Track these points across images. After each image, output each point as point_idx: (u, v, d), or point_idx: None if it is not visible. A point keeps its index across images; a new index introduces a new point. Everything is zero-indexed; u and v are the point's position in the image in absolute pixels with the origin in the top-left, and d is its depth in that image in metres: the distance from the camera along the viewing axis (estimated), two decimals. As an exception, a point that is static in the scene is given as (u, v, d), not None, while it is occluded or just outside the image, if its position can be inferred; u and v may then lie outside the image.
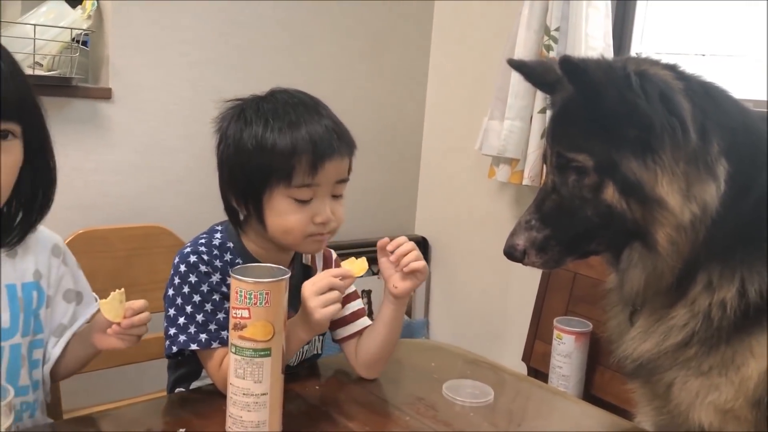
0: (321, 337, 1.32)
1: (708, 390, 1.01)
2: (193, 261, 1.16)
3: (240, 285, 0.99)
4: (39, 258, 1.15)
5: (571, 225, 1.04)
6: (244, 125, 1.15)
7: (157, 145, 2.10)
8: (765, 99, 1.95)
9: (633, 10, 2.25)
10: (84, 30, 1.91)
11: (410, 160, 2.77)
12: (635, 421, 1.20)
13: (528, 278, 2.16)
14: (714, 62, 2.11)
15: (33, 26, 1.79)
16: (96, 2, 1.94)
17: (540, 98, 2.10)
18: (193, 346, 1.14)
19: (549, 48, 2.11)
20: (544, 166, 1.10)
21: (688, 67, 1.04)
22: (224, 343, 1.12)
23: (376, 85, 2.60)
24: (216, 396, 1.13)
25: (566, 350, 1.86)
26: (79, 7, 1.93)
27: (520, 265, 1.08)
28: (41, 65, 1.89)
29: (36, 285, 1.13)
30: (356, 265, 1.14)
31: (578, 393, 1.87)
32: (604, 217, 1.01)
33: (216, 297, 1.16)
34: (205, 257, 1.17)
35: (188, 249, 1.18)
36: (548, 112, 1.15)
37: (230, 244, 1.20)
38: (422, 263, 1.19)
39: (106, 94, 1.99)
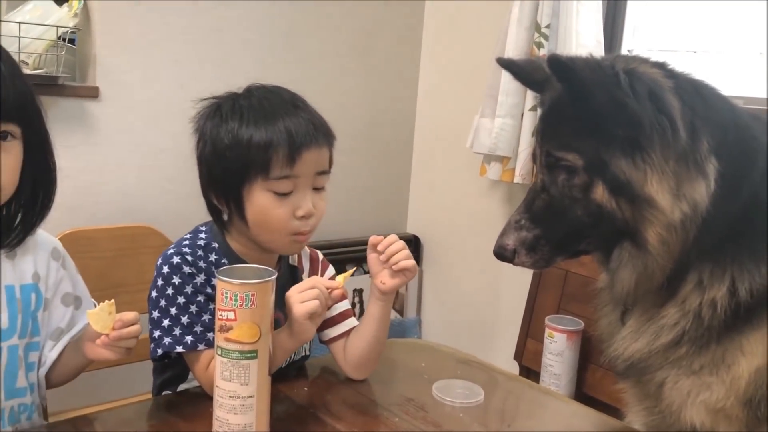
0: (310, 338, 1.31)
1: (699, 389, 1.00)
2: (177, 262, 1.15)
3: (225, 286, 0.97)
4: (38, 260, 1.14)
5: (561, 224, 1.03)
6: (221, 122, 1.14)
7: (145, 144, 2.08)
8: (759, 96, 1.95)
9: (624, 7, 2.25)
10: (70, 28, 1.89)
11: (401, 158, 2.76)
12: (626, 421, 1.20)
13: (520, 276, 2.15)
14: (705, 59, 2.10)
15: (18, 24, 1.76)
16: (82, 0, 1.92)
17: (531, 96, 2.09)
18: (179, 349, 1.13)
19: (540, 45, 2.10)
20: (534, 166, 1.09)
21: (677, 65, 1.03)
22: (210, 344, 1.11)
23: (367, 82, 2.58)
24: (203, 398, 1.12)
25: (558, 349, 1.85)
26: (66, 5, 1.91)
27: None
28: (27, 64, 1.86)
29: (34, 287, 1.12)
30: (340, 277, 1.14)
31: (570, 392, 1.86)
32: (594, 216, 1.00)
33: (201, 298, 1.14)
34: (189, 258, 1.16)
35: (171, 250, 1.17)
36: (538, 111, 1.14)
37: (215, 245, 1.19)
38: (412, 262, 1.19)
39: (93, 93, 1.97)
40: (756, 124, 1.03)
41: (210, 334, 1.12)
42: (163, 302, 1.14)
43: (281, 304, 1.10)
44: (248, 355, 0.99)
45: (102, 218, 1.96)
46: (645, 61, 1.02)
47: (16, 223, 1.09)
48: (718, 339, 0.98)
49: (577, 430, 1.21)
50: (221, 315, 0.99)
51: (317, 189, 1.16)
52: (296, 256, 1.29)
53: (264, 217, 1.13)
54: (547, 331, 1.87)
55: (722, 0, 2.05)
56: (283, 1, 2.31)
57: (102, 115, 2.00)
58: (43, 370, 1.15)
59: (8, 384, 1.08)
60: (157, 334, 1.14)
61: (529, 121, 2.11)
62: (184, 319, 1.13)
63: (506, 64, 1.18)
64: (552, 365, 1.87)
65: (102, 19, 1.97)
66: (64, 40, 1.91)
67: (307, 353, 1.33)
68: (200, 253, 1.17)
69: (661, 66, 1.01)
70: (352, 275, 1.16)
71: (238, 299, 0.97)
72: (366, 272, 2.50)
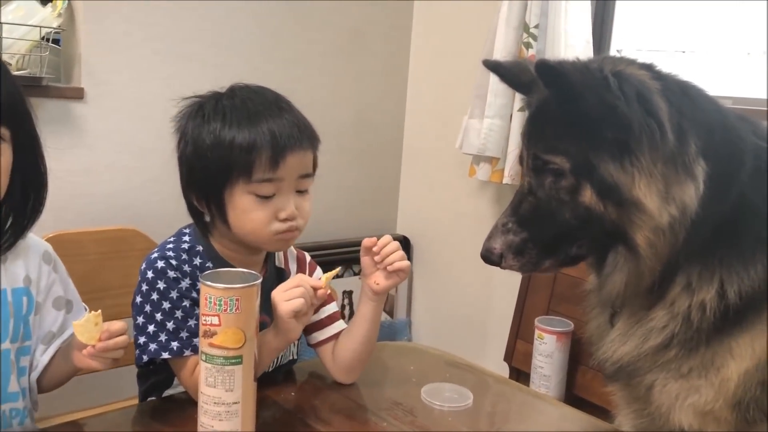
0: (297, 342, 1.29)
1: (688, 392, 1.00)
2: (161, 266, 1.13)
3: (209, 291, 0.96)
4: (29, 264, 1.12)
5: (548, 227, 1.02)
6: (203, 122, 1.12)
7: (131, 145, 2.06)
8: (747, 96, 1.95)
9: (612, 7, 2.25)
10: (54, 28, 1.87)
11: (391, 158, 2.75)
12: (615, 423, 1.19)
13: (510, 277, 2.14)
14: (693, 59, 2.10)
15: (0, 24, 1.74)
16: (67, 0, 1.89)
17: (519, 96, 2.08)
18: (165, 355, 1.11)
19: (528, 45, 2.09)
20: (521, 168, 1.08)
21: (665, 65, 1.03)
22: (197, 350, 1.09)
23: (356, 83, 2.57)
24: (188, 404, 1.11)
25: (547, 350, 1.84)
26: (50, 4, 1.89)
27: (499, 266, 1.07)
28: (10, 65, 1.84)
29: (26, 291, 1.11)
30: (324, 276, 1.12)
31: (560, 393, 1.86)
32: (583, 219, 0.99)
33: (186, 303, 1.13)
34: (174, 262, 1.14)
35: (155, 254, 1.15)
36: (525, 113, 1.13)
37: (199, 248, 1.18)
38: (407, 263, 1.19)
39: (78, 94, 1.95)
40: (743, 125, 1.03)
41: (196, 340, 1.10)
42: (148, 308, 1.12)
43: (268, 307, 1.08)
44: (233, 360, 0.97)
45: (87, 220, 1.94)
46: (632, 62, 1.01)
47: (7, 226, 1.08)
48: (707, 342, 0.97)
49: (567, 433, 1.20)
50: (205, 320, 0.97)
51: (300, 192, 1.15)
52: (282, 257, 1.28)
53: (245, 220, 1.12)
54: (537, 332, 1.86)
55: (711, 0, 2.05)
56: (271, 1, 2.29)
57: (87, 116, 1.98)
58: (35, 375, 1.13)
59: (2, 389, 1.07)
60: (142, 340, 1.12)
61: (518, 121, 2.11)
62: (170, 325, 1.12)
63: (492, 66, 1.17)
64: (542, 366, 1.86)
65: (86, 19, 1.95)
66: (48, 40, 1.89)
67: (295, 357, 1.31)
68: (185, 256, 1.16)
69: (649, 68, 1.01)
70: (337, 276, 1.15)
71: (222, 304, 0.96)
72: (356, 273, 2.49)
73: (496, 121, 2.16)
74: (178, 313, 1.12)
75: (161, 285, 1.12)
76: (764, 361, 0.96)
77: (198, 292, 1.08)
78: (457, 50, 2.51)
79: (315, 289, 1.08)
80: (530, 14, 2.08)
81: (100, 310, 1.02)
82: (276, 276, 1.25)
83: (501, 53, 2.09)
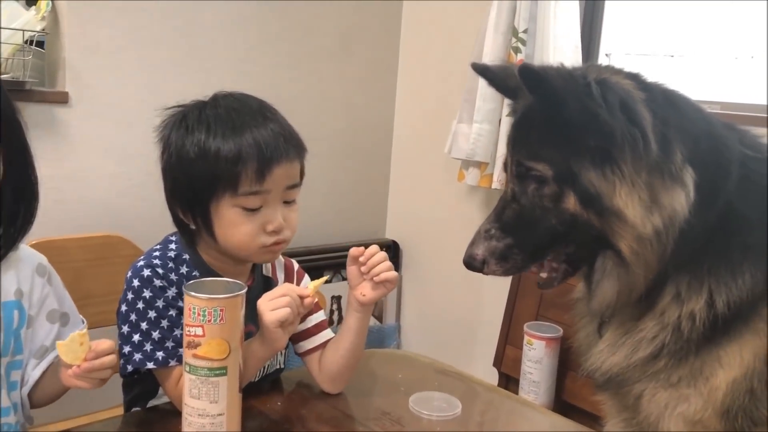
0: (284, 351, 1.28)
1: (677, 401, 0.99)
2: (147, 275, 1.12)
3: (193, 301, 0.95)
4: (21, 276, 1.10)
5: (532, 234, 1.01)
6: (186, 132, 1.10)
7: (116, 150, 2.04)
8: (735, 101, 1.96)
9: (601, 11, 2.25)
10: (38, 31, 1.85)
11: (380, 163, 2.74)
12: (604, 431, 1.19)
13: (499, 282, 2.13)
14: (682, 63, 2.11)
15: (-18, 28, 1.72)
16: (50, 3, 1.87)
17: (508, 101, 2.08)
18: (150, 365, 1.10)
19: (517, 50, 2.09)
20: (506, 174, 1.07)
21: (652, 74, 1.02)
22: (182, 360, 1.08)
23: (344, 87, 2.56)
24: (173, 415, 1.09)
25: (537, 356, 1.84)
26: (33, 7, 1.87)
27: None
28: (-7, 69, 1.82)
29: (17, 304, 1.08)
30: (312, 284, 1.11)
31: (549, 399, 1.85)
32: (569, 225, 0.99)
33: (172, 312, 1.11)
34: (160, 271, 1.12)
35: (141, 262, 1.14)
36: (510, 119, 1.13)
37: (186, 256, 1.16)
38: (394, 274, 1.17)
39: (62, 98, 1.93)
40: (730, 133, 1.03)
41: (182, 350, 1.09)
42: (133, 317, 1.11)
43: (255, 317, 1.07)
44: (217, 372, 0.96)
45: (71, 227, 1.91)
46: (618, 71, 1.01)
47: None
48: (696, 351, 0.96)
49: (556, 441, 1.20)
50: (189, 331, 0.96)
51: (288, 202, 1.13)
52: (270, 266, 1.27)
53: (232, 233, 1.10)
54: (526, 338, 1.86)
55: (699, 1, 2.06)
56: (258, 4, 2.28)
57: (72, 120, 1.96)
58: (26, 389, 1.11)
59: None
60: (127, 350, 1.11)
61: (507, 127, 2.10)
62: (155, 335, 1.10)
63: (481, 70, 1.17)
64: (531, 372, 1.85)
65: (71, 23, 1.93)
66: (31, 43, 1.87)
67: (282, 366, 1.30)
68: (171, 265, 1.14)
69: (634, 77, 1.00)
70: (326, 282, 1.14)
71: (206, 315, 0.94)
72: (344, 279, 2.47)
73: (485, 125, 2.15)
74: (164, 323, 1.11)
75: (147, 294, 1.11)
76: (752, 369, 0.95)
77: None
78: (446, 55, 2.50)
79: (302, 297, 1.07)
80: (519, 18, 2.08)
81: (86, 330, 1.00)
82: (263, 285, 1.23)
83: (490, 57, 2.09)
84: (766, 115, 1.77)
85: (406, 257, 2.72)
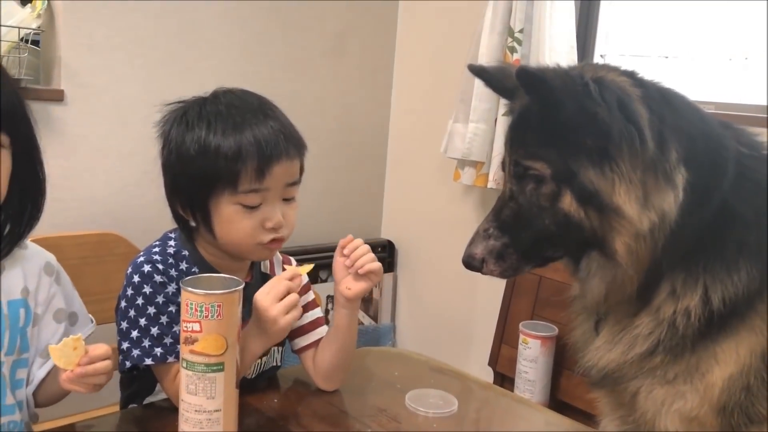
0: (280, 348, 1.28)
1: (673, 398, 1.00)
2: (148, 271, 1.11)
3: (190, 297, 0.95)
4: (28, 275, 1.10)
5: (528, 233, 1.02)
6: (186, 129, 1.10)
7: (112, 148, 2.04)
8: (730, 102, 1.97)
9: (597, 12, 2.25)
10: (33, 29, 1.84)
11: (375, 163, 2.74)
12: (600, 428, 1.19)
13: (494, 281, 2.12)
14: (677, 64, 2.12)
15: (-22, 25, 1.71)
16: (46, 1, 1.87)
17: (504, 101, 2.08)
18: (148, 361, 1.09)
19: (513, 50, 2.09)
20: (503, 174, 1.08)
21: (647, 72, 1.03)
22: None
23: (340, 86, 2.56)
24: (169, 412, 1.09)
25: (532, 355, 1.84)
26: (29, 5, 1.86)
27: (485, 269, 1.06)
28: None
29: (23, 302, 1.08)
30: (302, 267, 1.11)
31: (544, 398, 1.86)
32: (562, 225, 0.99)
33: (172, 309, 1.11)
34: (161, 266, 1.12)
35: (142, 258, 1.14)
36: (507, 119, 1.13)
37: (185, 252, 1.16)
38: (377, 265, 1.17)
39: (58, 96, 1.92)
40: (726, 132, 1.03)
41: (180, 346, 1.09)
42: (132, 312, 1.10)
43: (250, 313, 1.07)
44: (214, 367, 0.96)
45: (66, 225, 1.91)
46: (614, 69, 1.01)
47: (4, 234, 1.05)
48: (692, 348, 0.97)
49: (552, 439, 1.20)
50: (186, 326, 0.96)
51: (287, 200, 1.13)
52: (268, 263, 1.27)
53: (231, 230, 1.10)
54: (521, 337, 1.86)
55: (693, 3, 2.07)
56: (254, 3, 2.27)
57: (67, 118, 1.95)
58: (30, 388, 1.10)
59: None
60: (125, 345, 1.10)
61: (503, 126, 2.11)
62: (154, 330, 1.10)
63: (477, 71, 1.17)
64: (526, 371, 1.86)
65: (67, 21, 1.92)
66: (27, 41, 1.86)
67: (279, 364, 1.30)
68: (171, 260, 1.14)
69: (630, 75, 1.01)
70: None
71: (203, 310, 0.94)
72: (339, 278, 2.47)
73: (481, 125, 2.16)
74: (164, 319, 1.10)
75: (147, 289, 1.10)
76: (748, 366, 0.96)
77: (183, 297, 1.07)
78: (442, 54, 2.51)
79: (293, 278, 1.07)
80: (515, 19, 2.09)
81: (80, 334, 0.99)
82: (262, 282, 1.23)
83: (486, 57, 2.09)
84: (762, 116, 1.78)
85: (401, 257, 2.72)
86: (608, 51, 2.26)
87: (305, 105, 2.43)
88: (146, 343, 1.09)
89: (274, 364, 1.28)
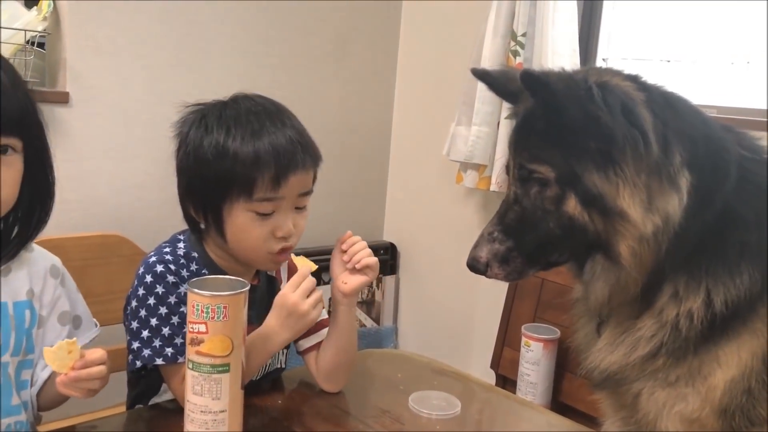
0: (285, 351, 1.29)
1: (675, 400, 1.00)
2: (161, 271, 1.12)
3: (196, 298, 0.95)
4: (33, 277, 1.10)
5: (533, 237, 1.03)
6: (205, 132, 1.11)
7: (116, 150, 2.05)
8: (732, 105, 1.97)
9: (599, 16, 2.26)
10: (39, 32, 1.85)
11: (378, 165, 2.74)
12: (602, 430, 1.19)
13: (496, 284, 2.13)
14: (679, 68, 2.12)
15: (-16, 28, 1.73)
16: (52, 3, 1.88)
17: (507, 104, 2.09)
18: (159, 361, 1.10)
19: (516, 53, 2.10)
20: (507, 177, 1.09)
21: (650, 77, 1.04)
22: (186, 357, 1.08)
23: (342, 88, 2.57)
24: (175, 412, 1.10)
25: (534, 357, 1.85)
26: (35, 8, 1.87)
27: (487, 272, 1.07)
28: None
29: (29, 304, 1.08)
30: (308, 262, 1.13)
31: (546, 400, 1.86)
32: (566, 229, 1.00)
33: (183, 309, 1.11)
34: (173, 267, 1.13)
35: (154, 258, 1.14)
36: (513, 122, 1.14)
37: (194, 254, 1.17)
38: (374, 259, 1.19)
39: (63, 98, 1.94)
40: (728, 135, 1.04)
41: None
42: (143, 312, 1.11)
43: (261, 315, 1.08)
44: (220, 368, 0.97)
45: (70, 226, 1.91)
46: (617, 73, 1.02)
47: (12, 236, 1.06)
48: (694, 350, 0.98)
49: (554, 440, 1.21)
50: (192, 328, 0.96)
51: (299, 208, 1.14)
52: (272, 266, 1.27)
53: (242, 236, 1.11)
54: (524, 339, 1.87)
55: (697, 5, 2.07)
56: (258, 5, 2.29)
57: (72, 120, 1.96)
58: (34, 390, 1.11)
59: (4, 402, 1.05)
60: (135, 345, 1.11)
61: (505, 129, 2.12)
62: (165, 331, 1.10)
63: (481, 74, 1.18)
64: (528, 374, 1.86)
65: (72, 23, 1.93)
66: (32, 44, 1.87)
67: (283, 366, 1.30)
68: (182, 261, 1.15)
69: (634, 79, 1.01)
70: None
71: (209, 312, 0.95)
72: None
73: (483, 128, 2.17)
74: (175, 319, 1.11)
75: (160, 289, 1.11)
76: (750, 369, 0.96)
77: (193, 299, 1.07)
78: (445, 57, 2.51)
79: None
80: (518, 22, 2.09)
81: (75, 338, 0.99)
82: (268, 285, 1.24)
83: (488, 61, 2.10)
84: (764, 119, 1.79)
85: (403, 259, 2.73)
86: (610, 54, 2.27)
87: (308, 107, 2.41)
88: (157, 343, 1.10)
89: (279, 366, 1.29)
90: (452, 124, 2.26)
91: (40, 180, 1.07)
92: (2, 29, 1.78)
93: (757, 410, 0.97)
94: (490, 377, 2.07)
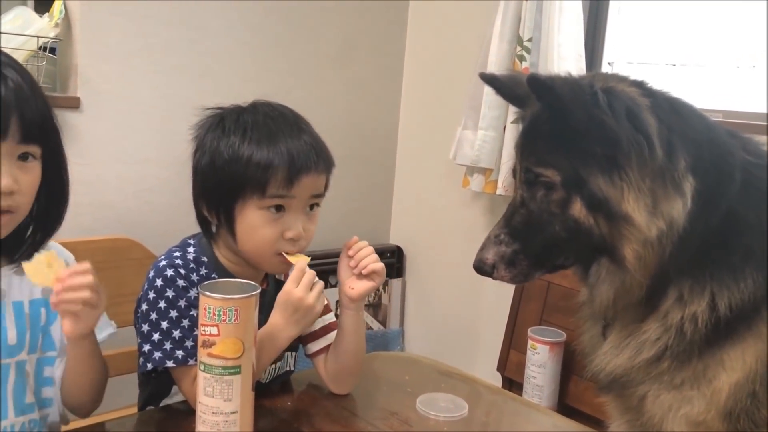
0: (294, 354, 1.30)
1: (680, 403, 1.01)
2: (171, 275, 1.14)
3: (208, 301, 0.97)
4: None
5: (539, 239, 1.04)
6: (222, 135, 1.13)
7: (126, 154, 2.07)
8: (738, 109, 1.98)
9: (605, 20, 2.27)
10: (51, 38, 1.88)
11: (385, 169, 2.76)
12: (608, 432, 1.21)
13: (502, 287, 2.14)
14: (684, 72, 2.13)
15: (-2, 34, 1.75)
16: (64, 9, 1.90)
17: (513, 108, 2.10)
18: (169, 363, 1.11)
19: (522, 58, 2.12)
20: (514, 181, 1.10)
21: (655, 82, 1.05)
22: (197, 359, 1.10)
23: (349, 92, 2.58)
24: (186, 414, 1.11)
25: (540, 360, 1.86)
26: (47, 14, 1.90)
27: (493, 276, 1.08)
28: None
29: (44, 302, 1.10)
30: (301, 256, 1.14)
31: (553, 403, 1.87)
32: (571, 232, 1.01)
33: (194, 312, 1.13)
34: (182, 271, 1.15)
35: (164, 262, 1.16)
36: (519, 125, 1.15)
37: (204, 258, 1.18)
38: (381, 265, 1.20)
39: (74, 104, 1.96)
40: (733, 140, 1.05)
41: None
42: (153, 316, 1.13)
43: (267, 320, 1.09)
44: (231, 370, 0.98)
45: (81, 230, 1.93)
46: (623, 79, 1.03)
47: (26, 236, 1.08)
48: (699, 353, 0.98)
49: (560, 443, 1.22)
50: (204, 330, 0.98)
51: (310, 209, 1.16)
52: (281, 269, 1.29)
53: (253, 235, 1.13)
54: (530, 342, 1.88)
55: (702, 9, 2.08)
56: (266, 10, 2.31)
57: (83, 125, 1.99)
58: (56, 387, 1.12)
59: (18, 400, 1.06)
60: (146, 348, 1.13)
61: (512, 133, 2.13)
62: (176, 334, 1.12)
63: (488, 79, 1.19)
64: (535, 377, 1.87)
65: (83, 29, 1.96)
66: (44, 50, 1.90)
67: (292, 368, 1.32)
68: (192, 265, 1.17)
69: (639, 84, 1.02)
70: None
71: (221, 314, 0.96)
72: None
73: (490, 132, 2.18)
74: (185, 322, 1.12)
75: (170, 293, 1.13)
76: (754, 372, 0.97)
77: (203, 302, 1.09)
78: (451, 61, 2.53)
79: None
80: (524, 28, 2.11)
81: (54, 251, 1.01)
82: (276, 289, 1.25)
83: (495, 66, 2.11)
84: (767, 124, 1.79)
85: (410, 262, 2.74)
86: (616, 59, 2.28)
87: (315, 111, 2.41)
88: (167, 345, 1.12)
89: (288, 368, 1.30)
90: (458, 128, 2.28)
91: (56, 183, 1.09)
92: (15, 35, 1.80)
93: (761, 413, 0.98)
94: (496, 380, 2.08)
